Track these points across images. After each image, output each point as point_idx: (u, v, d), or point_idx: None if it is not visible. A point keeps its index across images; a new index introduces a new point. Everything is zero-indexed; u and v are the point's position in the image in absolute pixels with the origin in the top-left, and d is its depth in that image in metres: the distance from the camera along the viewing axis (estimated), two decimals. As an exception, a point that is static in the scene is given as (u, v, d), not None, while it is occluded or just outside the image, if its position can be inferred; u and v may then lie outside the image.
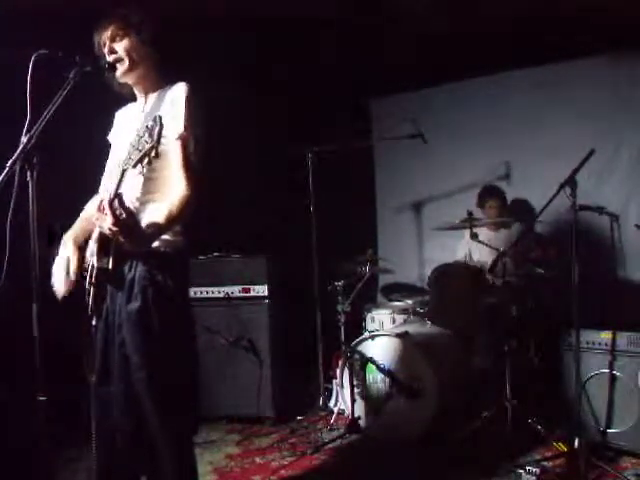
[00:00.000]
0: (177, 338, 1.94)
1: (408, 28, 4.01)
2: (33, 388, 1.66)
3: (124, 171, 1.65)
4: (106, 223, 1.65)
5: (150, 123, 1.58)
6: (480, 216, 3.97)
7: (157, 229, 1.79)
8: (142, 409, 1.89)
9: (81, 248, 1.99)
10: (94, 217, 1.76)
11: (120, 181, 1.67)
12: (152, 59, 2.03)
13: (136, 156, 1.60)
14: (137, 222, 1.70)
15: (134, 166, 1.62)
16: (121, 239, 1.67)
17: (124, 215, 1.64)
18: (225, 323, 3.63)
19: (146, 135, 1.58)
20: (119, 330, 1.91)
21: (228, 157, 3.58)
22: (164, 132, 1.87)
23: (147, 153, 1.58)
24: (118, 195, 1.65)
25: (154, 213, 1.84)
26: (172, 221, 1.83)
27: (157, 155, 1.58)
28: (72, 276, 1.94)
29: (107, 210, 1.62)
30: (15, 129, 1.70)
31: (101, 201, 1.68)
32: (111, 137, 2.20)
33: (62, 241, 2.05)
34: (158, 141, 1.57)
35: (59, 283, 1.96)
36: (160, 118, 1.58)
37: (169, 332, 1.90)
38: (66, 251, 2.00)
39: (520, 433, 3.01)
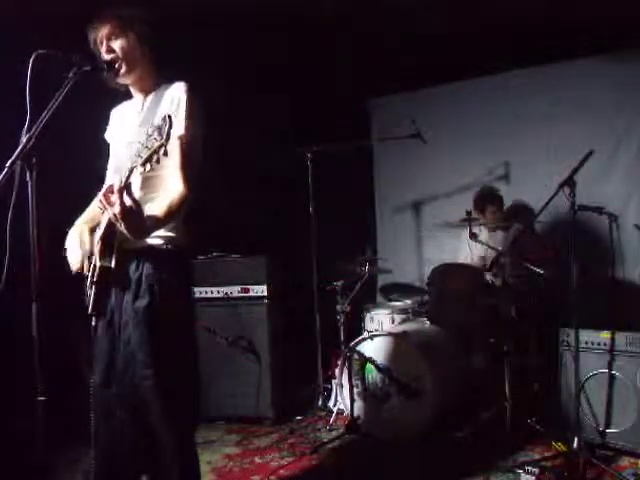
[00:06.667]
0: (182, 336, 1.96)
1: (408, 28, 4.01)
2: (33, 388, 1.66)
3: (133, 168, 1.66)
4: (113, 209, 1.67)
5: (159, 122, 1.59)
6: (479, 216, 3.97)
7: (155, 223, 1.81)
8: (147, 408, 1.89)
9: (92, 229, 2.01)
10: (98, 204, 1.76)
11: (128, 177, 1.68)
12: (149, 58, 2.03)
13: (145, 154, 1.61)
14: (142, 213, 1.71)
15: (143, 164, 1.63)
16: (123, 228, 1.68)
17: (131, 205, 1.66)
18: (224, 323, 3.63)
19: (155, 133, 1.59)
20: (124, 329, 1.92)
21: (228, 157, 3.58)
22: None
23: (156, 151, 1.60)
24: (127, 185, 1.66)
25: (153, 208, 1.85)
26: (170, 217, 1.85)
27: (166, 153, 1.60)
28: (87, 246, 1.96)
29: (117, 197, 1.64)
30: (15, 129, 1.70)
31: (107, 188, 1.69)
32: (107, 136, 2.20)
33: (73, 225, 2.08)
34: (167, 139, 1.58)
35: (73, 256, 1.99)
36: (170, 117, 1.59)
37: (175, 330, 1.92)
38: (79, 226, 2.04)
39: (519, 433, 3.02)
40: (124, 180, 1.66)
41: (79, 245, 1.99)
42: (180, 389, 1.93)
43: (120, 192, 1.64)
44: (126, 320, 1.92)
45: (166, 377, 1.88)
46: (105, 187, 1.70)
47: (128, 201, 1.66)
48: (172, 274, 1.93)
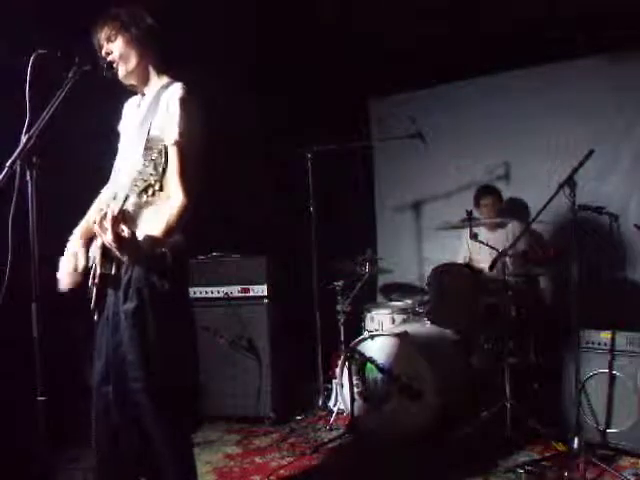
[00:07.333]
0: (174, 338, 1.95)
1: (408, 28, 4.02)
2: (33, 388, 1.66)
3: (128, 196, 1.67)
4: (106, 238, 1.68)
5: (155, 155, 1.61)
6: (479, 216, 3.98)
7: (154, 243, 1.80)
8: (139, 410, 1.89)
9: (89, 243, 2.02)
10: (94, 226, 1.77)
11: (123, 204, 1.69)
12: (148, 56, 2.04)
13: (141, 185, 1.65)
14: (135, 240, 1.72)
15: (139, 195, 1.66)
16: (118, 254, 1.69)
17: (124, 234, 1.66)
18: (224, 323, 3.63)
19: (151, 167, 1.62)
20: (117, 330, 1.92)
21: (228, 157, 3.58)
22: (161, 137, 1.89)
23: (152, 185, 1.64)
24: (122, 212, 1.67)
25: (152, 223, 1.84)
26: (170, 233, 1.84)
27: (161, 188, 1.62)
28: (79, 270, 1.97)
29: (109, 227, 1.64)
30: (15, 129, 1.70)
31: (102, 215, 1.69)
32: (120, 128, 2.22)
33: (72, 234, 2.07)
34: (163, 174, 1.62)
35: (64, 276, 1.99)
36: (166, 149, 1.63)
37: (165, 332, 1.91)
38: (74, 246, 2.03)
39: (519, 433, 3.01)
40: (118, 208, 1.67)
41: (72, 263, 1.99)
42: (172, 391, 1.92)
43: (114, 221, 1.65)
44: (117, 321, 1.92)
45: (157, 380, 1.88)
46: (99, 215, 1.70)
47: (122, 230, 1.66)
48: (162, 276, 1.92)
